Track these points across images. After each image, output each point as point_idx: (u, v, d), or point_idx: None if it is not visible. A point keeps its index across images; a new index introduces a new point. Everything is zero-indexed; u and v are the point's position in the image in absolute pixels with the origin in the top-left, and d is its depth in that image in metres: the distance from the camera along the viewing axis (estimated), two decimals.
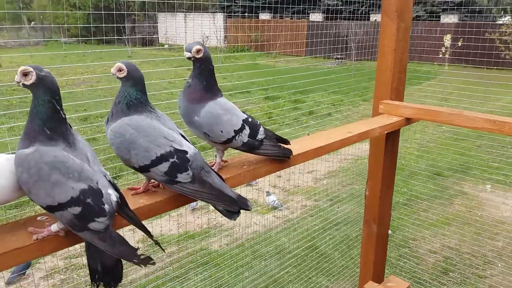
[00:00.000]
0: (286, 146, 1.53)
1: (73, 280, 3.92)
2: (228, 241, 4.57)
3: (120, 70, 1.24)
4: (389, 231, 2.77)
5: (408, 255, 4.29)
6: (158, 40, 19.96)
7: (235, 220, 1.27)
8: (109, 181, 1.12)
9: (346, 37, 15.14)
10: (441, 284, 3.84)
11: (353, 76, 9.66)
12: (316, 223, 4.78)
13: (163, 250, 1.23)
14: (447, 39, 10.58)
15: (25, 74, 1.02)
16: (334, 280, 3.94)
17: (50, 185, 1.01)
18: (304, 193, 5.85)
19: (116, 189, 1.11)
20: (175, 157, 1.22)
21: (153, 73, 10.98)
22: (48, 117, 1.05)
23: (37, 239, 1.03)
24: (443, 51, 10.52)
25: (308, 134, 4.45)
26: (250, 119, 1.48)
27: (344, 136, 1.73)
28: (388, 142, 2.16)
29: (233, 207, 1.24)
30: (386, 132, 2.03)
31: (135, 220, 1.13)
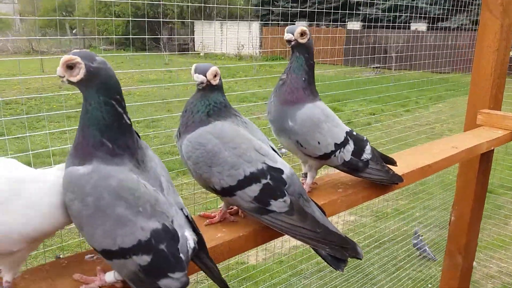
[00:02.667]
0: (392, 168, 1.26)
1: None
2: (266, 255, 4.36)
3: (215, 75, 0.99)
4: (474, 263, 2.42)
5: None
6: (194, 48, 20.13)
7: (342, 271, 0.94)
8: (187, 216, 0.83)
9: (386, 46, 14.74)
10: None
11: (393, 85, 9.30)
12: (360, 240, 4.49)
13: None
14: None
15: (70, 66, 0.73)
16: None
17: (111, 222, 0.72)
18: None
19: (194, 228, 0.82)
20: (269, 177, 0.92)
21: (190, 81, 10.97)
22: (107, 125, 0.75)
23: None
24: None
25: None
26: (354, 133, 1.20)
27: (451, 153, 1.48)
28: (482, 161, 1.89)
29: (343, 253, 0.92)
30: (493, 148, 1.77)
31: (214, 273, 0.82)
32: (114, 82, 0.77)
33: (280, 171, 0.95)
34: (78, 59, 0.73)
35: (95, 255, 0.88)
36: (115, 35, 13.06)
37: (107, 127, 0.76)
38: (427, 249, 4.29)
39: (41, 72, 11.07)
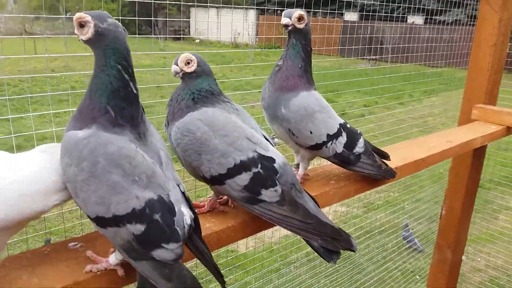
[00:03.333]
0: (387, 162, 1.24)
1: None
2: (256, 243, 4.37)
3: (188, 62, 0.95)
4: (463, 257, 2.43)
5: None
6: (189, 34, 19.96)
7: (335, 263, 0.92)
8: (183, 193, 0.82)
9: (382, 38, 14.71)
10: None
11: (388, 78, 9.30)
12: (350, 231, 4.52)
13: None
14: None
15: (82, 24, 0.74)
16: None
17: (106, 188, 0.71)
18: None
19: (191, 207, 0.81)
20: (260, 166, 0.90)
21: None
22: (114, 91, 0.74)
23: (90, 271, 0.75)
24: None
25: None
26: (348, 125, 1.18)
27: (445, 147, 1.47)
28: (475, 156, 1.89)
29: (335, 245, 0.90)
30: (487, 143, 1.77)
31: (206, 258, 0.81)
32: (122, 46, 0.76)
33: (272, 160, 0.93)
34: (88, 18, 0.74)
35: (79, 243, 0.86)
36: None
37: (113, 94, 0.75)
38: (416, 241, 4.34)
39: (34, 53, 10.91)
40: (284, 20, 1.12)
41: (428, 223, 4.88)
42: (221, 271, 0.85)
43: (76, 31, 0.75)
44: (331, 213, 5.18)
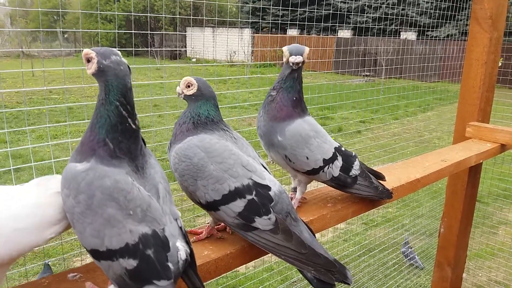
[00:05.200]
0: (383, 183, 1.26)
1: None
2: (255, 264, 4.34)
3: (188, 86, 0.99)
4: (464, 274, 2.42)
5: None
6: (186, 54, 20.12)
7: None
8: (180, 228, 0.82)
9: (376, 54, 14.90)
10: None
11: (382, 93, 9.38)
12: (349, 247, 4.50)
13: None
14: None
15: (88, 60, 0.78)
16: None
17: (101, 221, 0.72)
18: None
19: (187, 241, 0.81)
20: (254, 193, 0.91)
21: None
22: (112, 125, 0.77)
23: None
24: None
25: None
26: (343, 148, 1.20)
27: (440, 166, 1.49)
28: (471, 173, 1.91)
29: (329, 276, 0.90)
30: (481, 161, 1.78)
31: None
32: (121, 84, 0.78)
33: (267, 188, 0.94)
34: (93, 54, 0.77)
35: (78, 274, 0.86)
36: (106, 40, 13.01)
37: (112, 128, 0.77)
38: (417, 258, 4.32)
39: (32, 76, 10.98)
40: (297, 59, 1.12)
41: (426, 237, 4.87)
42: None
43: (87, 68, 0.80)
44: (331, 230, 5.16)
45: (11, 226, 0.74)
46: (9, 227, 0.74)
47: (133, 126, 0.79)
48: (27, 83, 9.97)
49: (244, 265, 4.17)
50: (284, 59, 1.16)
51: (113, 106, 0.77)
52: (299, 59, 1.12)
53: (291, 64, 1.13)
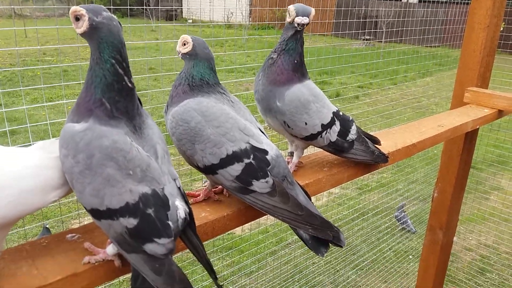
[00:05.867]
0: (378, 147, 1.26)
1: None
2: (251, 226, 4.43)
3: (184, 44, 0.98)
4: (454, 238, 2.50)
5: None
6: (182, 14, 19.66)
7: (323, 256, 0.94)
8: (179, 188, 0.83)
9: (376, 16, 14.59)
10: (477, 285, 3.64)
11: (382, 58, 9.26)
12: (345, 212, 4.59)
13: None
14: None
15: (77, 18, 0.75)
16: (362, 273, 3.78)
17: (100, 181, 0.72)
18: None
19: (186, 201, 0.82)
20: (252, 157, 0.92)
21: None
22: (108, 84, 0.75)
23: (88, 262, 0.77)
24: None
25: None
26: (341, 113, 1.18)
27: (436, 132, 1.48)
28: (467, 139, 1.91)
29: (326, 233, 0.92)
30: (478, 126, 1.77)
31: (200, 252, 0.82)
32: (116, 40, 0.76)
33: (265, 152, 0.95)
34: (83, 11, 0.74)
35: (76, 235, 0.87)
36: (101, 0, 12.66)
37: (108, 87, 0.76)
38: (409, 222, 4.42)
39: (24, 37, 10.74)
40: (304, 20, 1.08)
41: (419, 202, 4.95)
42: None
43: (74, 25, 0.76)
44: (326, 194, 5.24)
45: (17, 186, 0.75)
46: (15, 188, 0.74)
47: (129, 85, 0.78)
48: (20, 44, 9.76)
49: (240, 227, 4.26)
50: (289, 19, 1.12)
51: (109, 64, 0.75)
52: (305, 20, 1.09)
53: (296, 25, 1.10)
